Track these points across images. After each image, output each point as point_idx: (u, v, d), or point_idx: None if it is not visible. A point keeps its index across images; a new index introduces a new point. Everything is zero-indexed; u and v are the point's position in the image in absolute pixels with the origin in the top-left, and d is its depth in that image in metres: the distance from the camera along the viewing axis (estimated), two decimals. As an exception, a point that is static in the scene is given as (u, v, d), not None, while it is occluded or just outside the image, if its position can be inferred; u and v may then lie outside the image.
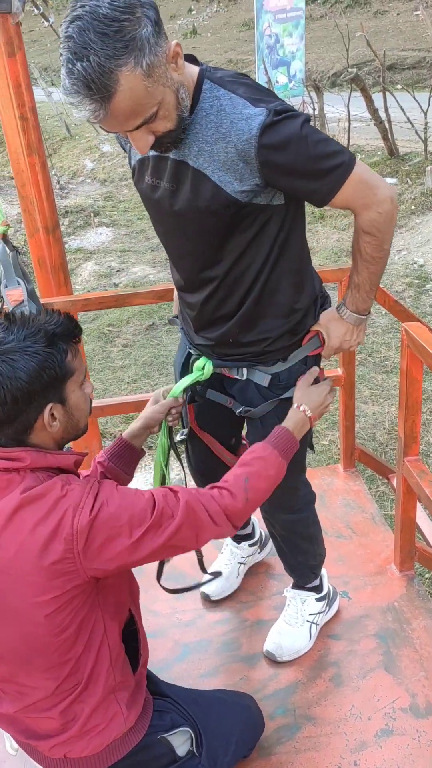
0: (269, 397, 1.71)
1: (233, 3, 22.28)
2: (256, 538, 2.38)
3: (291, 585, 2.14)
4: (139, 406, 2.52)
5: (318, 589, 2.12)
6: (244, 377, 1.72)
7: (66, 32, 1.19)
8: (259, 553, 2.41)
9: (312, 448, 1.87)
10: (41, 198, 3.01)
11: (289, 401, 1.69)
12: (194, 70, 1.39)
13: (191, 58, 1.42)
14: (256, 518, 2.41)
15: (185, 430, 1.91)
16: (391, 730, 1.84)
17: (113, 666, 1.45)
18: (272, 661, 2.06)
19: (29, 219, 3.05)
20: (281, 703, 1.94)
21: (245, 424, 1.88)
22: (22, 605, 1.31)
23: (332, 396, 1.73)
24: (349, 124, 8.58)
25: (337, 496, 2.76)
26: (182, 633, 2.19)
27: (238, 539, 2.33)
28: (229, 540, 2.34)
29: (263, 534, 2.43)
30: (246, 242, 1.51)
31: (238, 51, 18.77)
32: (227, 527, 1.46)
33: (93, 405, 2.84)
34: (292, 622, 2.09)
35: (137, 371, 5.21)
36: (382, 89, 8.24)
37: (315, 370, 1.74)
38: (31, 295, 2.36)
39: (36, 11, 2.72)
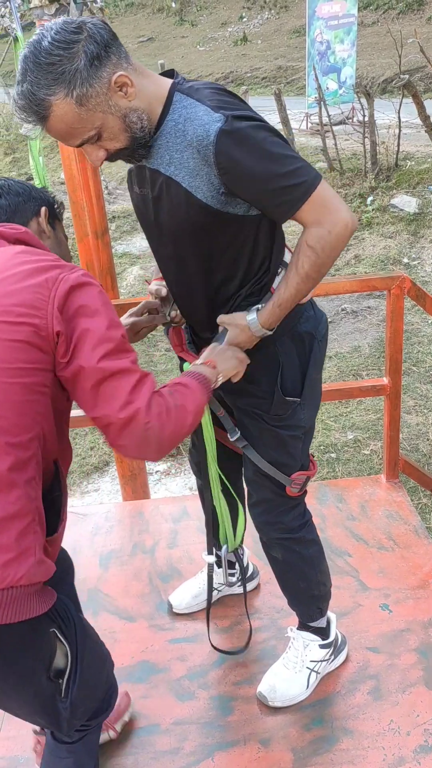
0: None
1: (284, 10, 22.29)
2: (236, 570, 2.28)
3: (297, 625, 2.03)
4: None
5: (324, 633, 2.00)
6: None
7: (20, 55, 1.35)
8: (239, 586, 2.26)
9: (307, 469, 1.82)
10: (92, 203, 3.06)
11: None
12: (164, 87, 1.45)
13: (169, 73, 1.51)
14: (248, 550, 2.34)
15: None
16: (430, 747, 1.81)
17: (38, 499, 1.32)
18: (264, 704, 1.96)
19: (79, 223, 3.11)
20: (319, 715, 1.92)
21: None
22: None
23: (242, 368, 1.61)
24: (400, 130, 8.49)
25: (380, 506, 2.72)
26: (220, 639, 2.18)
27: (219, 564, 2.23)
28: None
29: (250, 569, 2.36)
30: (224, 252, 1.53)
31: (288, 58, 18.76)
32: (147, 413, 1.30)
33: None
34: (291, 666, 1.98)
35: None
36: (433, 96, 8.14)
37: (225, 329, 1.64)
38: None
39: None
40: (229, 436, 1.78)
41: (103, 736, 1.86)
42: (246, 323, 1.58)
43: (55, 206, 1.63)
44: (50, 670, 1.40)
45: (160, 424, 1.32)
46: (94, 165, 1.47)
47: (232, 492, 1.98)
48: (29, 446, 1.29)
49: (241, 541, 2.10)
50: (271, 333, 1.60)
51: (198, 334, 1.75)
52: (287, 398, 1.67)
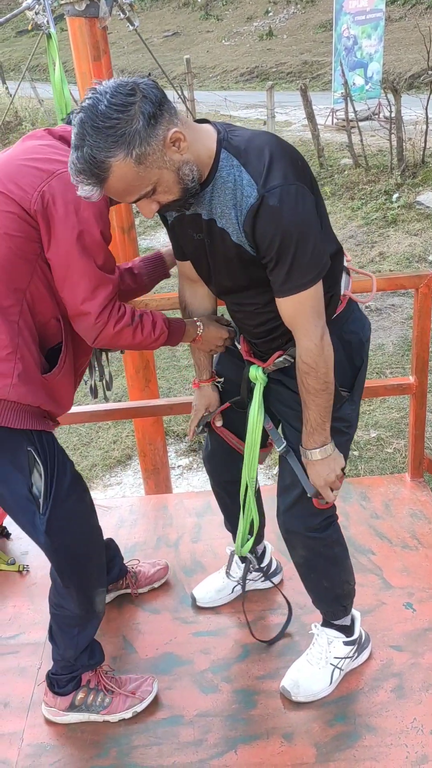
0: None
1: (311, 4, 22.15)
2: (261, 565, 2.31)
3: (320, 622, 2.05)
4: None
5: (348, 631, 2.02)
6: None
7: (75, 120, 1.37)
8: (262, 581, 2.33)
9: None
10: (119, 198, 3.07)
11: None
12: (211, 140, 1.51)
13: (205, 120, 1.56)
14: (271, 546, 2.37)
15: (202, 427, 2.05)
16: (453, 747, 1.81)
17: (22, 339, 1.62)
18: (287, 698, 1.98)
19: (107, 218, 3.12)
20: (341, 711, 1.93)
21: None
22: None
23: (220, 349, 1.94)
24: (427, 126, 8.41)
25: (404, 505, 2.72)
26: (244, 633, 2.20)
27: (243, 559, 2.26)
28: (236, 558, 2.31)
29: (273, 564, 2.38)
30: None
31: (314, 53, 18.66)
32: (98, 316, 1.64)
33: (161, 403, 2.90)
34: (314, 662, 2.00)
35: (203, 371, 5.24)
36: (462, 92, 8.05)
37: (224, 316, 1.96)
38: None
39: (122, 15, 2.77)
40: (275, 446, 1.86)
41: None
42: (306, 459, 1.74)
43: None
44: (30, 483, 1.69)
45: (105, 326, 1.66)
46: (147, 217, 1.52)
47: (254, 509, 2.05)
48: (9, 296, 1.60)
49: (250, 549, 2.14)
50: (333, 450, 1.72)
51: (251, 342, 1.87)
52: (339, 388, 1.74)
